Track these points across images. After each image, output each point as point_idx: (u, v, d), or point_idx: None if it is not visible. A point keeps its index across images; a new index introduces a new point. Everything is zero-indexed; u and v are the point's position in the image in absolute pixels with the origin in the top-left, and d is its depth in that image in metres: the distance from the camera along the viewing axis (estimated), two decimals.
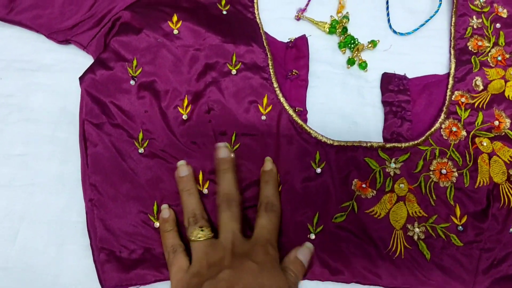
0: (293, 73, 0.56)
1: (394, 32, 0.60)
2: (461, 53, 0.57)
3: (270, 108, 0.52)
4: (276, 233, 0.48)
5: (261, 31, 0.56)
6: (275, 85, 0.53)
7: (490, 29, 0.59)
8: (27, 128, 0.55)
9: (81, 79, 0.52)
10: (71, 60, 0.57)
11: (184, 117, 0.52)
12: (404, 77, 0.57)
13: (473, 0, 0.60)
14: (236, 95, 0.53)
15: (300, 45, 0.57)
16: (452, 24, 0.59)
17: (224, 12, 0.57)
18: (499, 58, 0.57)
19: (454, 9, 0.60)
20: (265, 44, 0.55)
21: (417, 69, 0.58)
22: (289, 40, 0.58)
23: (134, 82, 0.52)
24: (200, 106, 0.52)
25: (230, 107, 0.52)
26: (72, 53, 0.57)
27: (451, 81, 0.56)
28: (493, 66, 0.57)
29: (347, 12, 0.61)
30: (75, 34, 0.56)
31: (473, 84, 0.56)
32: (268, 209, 0.47)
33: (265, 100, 0.53)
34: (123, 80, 0.52)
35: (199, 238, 0.46)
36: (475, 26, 0.59)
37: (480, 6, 0.60)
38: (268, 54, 0.54)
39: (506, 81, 0.56)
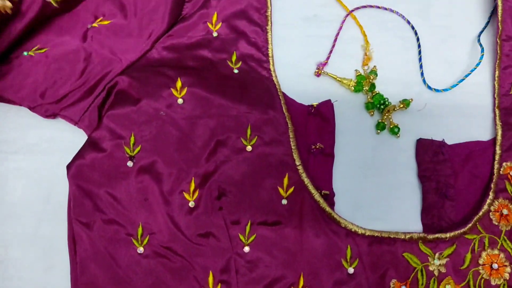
0: (317, 146, 0.50)
1: (429, 88, 0.55)
2: (507, 114, 0.53)
3: (291, 190, 0.47)
4: None
5: (278, 93, 0.51)
6: (298, 162, 0.47)
7: None
8: (5, 227, 0.48)
9: (68, 167, 0.46)
10: (59, 138, 0.51)
11: (191, 204, 0.46)
12: (443, 144, 0.51)
13: None
14: (252, 176, 0.47)
15: (324, 113, 0.52)
16: (496, 78, 0.54)
17: (236, 71, 0.52)
18: None
19: (497, 61, 0.55)
20: (284, 111, 0.50)
21: (457, 133, 0.52)
22: (311, 105, 0.52)
23: (132, 163, 0.47)
24: (210, 190, 0.46)
25: (244, 191, 0.46)
26: (60, 129, 0.51)
27: (498, 151, 0.51)
28: None
29: (375, 66, 0.55)
30: (63, 107, 0.50)
31: None
32: None
33: (285, 181, 0.47)
34: (119, 162, 0.47)
35: None
36: None
37: None
38: (289, 123, 0.49)
39: None
